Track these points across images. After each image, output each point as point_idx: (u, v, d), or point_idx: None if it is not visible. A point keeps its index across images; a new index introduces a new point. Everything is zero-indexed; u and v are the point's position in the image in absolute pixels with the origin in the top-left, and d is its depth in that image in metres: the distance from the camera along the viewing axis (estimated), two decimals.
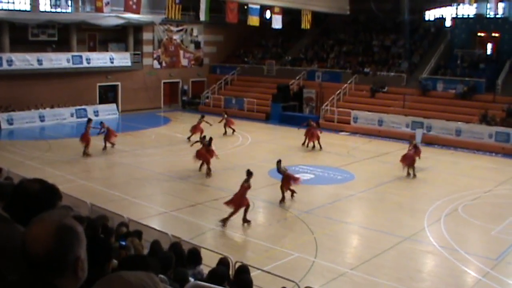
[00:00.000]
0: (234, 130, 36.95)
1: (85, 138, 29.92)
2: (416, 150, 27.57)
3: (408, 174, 27.09)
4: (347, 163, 29.83)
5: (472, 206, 22.69)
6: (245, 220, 19.76)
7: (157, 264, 4.27)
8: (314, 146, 33.08)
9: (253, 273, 11.74)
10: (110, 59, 46.07)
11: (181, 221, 19.91)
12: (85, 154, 29.72)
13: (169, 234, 14.48)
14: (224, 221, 19.38)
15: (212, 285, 6.52)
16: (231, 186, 24.45)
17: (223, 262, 10.51)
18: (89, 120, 31.52)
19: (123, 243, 5.11)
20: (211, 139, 27.57)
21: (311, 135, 33.06)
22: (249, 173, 20.53)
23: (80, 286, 2.46)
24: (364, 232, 19.77)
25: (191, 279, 7.63)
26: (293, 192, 22.59)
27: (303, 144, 33.38)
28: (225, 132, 36.87)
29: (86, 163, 28.96)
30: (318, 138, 32.98)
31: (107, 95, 47.42)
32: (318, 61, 49.49)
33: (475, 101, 38.78)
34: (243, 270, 9.84)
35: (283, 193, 22.28)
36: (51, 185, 3.37)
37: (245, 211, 19.78)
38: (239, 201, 19.74)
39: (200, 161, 26.77)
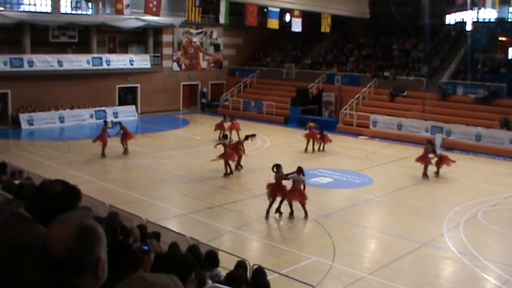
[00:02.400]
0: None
1: (101, 139, 30.12)
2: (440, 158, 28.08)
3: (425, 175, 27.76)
4: (365, 167, 29.71)
5: (492, 212, 22.53)
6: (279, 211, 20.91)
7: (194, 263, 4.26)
8: (314, 149, 33.32)
9: (271, 276, 11.73)
10: (130, 61, 46.31)
11: (199, 223, 19.93)
12: (103, 155, 29.94)
13: (187, 236, 14.49)
14: (278, 210, 20.91)
15: None
16: (250, 189, 24.53)
17: (241, 265, 10.51)
18: (106, 122, 31.69)
19: (146, 247, 5.10)
20: (246, 137, 28.57)
21: (310, 137, 33.24)
22: (277, 166, 21.21)
23: None
24: (382, 237, 19.68)
25: (209, 282, 7.63)
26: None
27: (306, 150, 33.35)
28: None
29: (104, 164, 29.12)
30: (317, 140, 33.28)
31: (127, 97, 47.66)
32: (338, 65, 49.42)
33: (496, 106, 38.53)
34: (260, 273, 9.83)
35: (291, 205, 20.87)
36: (73, 186, 3.39)
37: (281, 202, 20.73)
38: (283, 190, 20.80)
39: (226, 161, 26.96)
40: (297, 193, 20.66)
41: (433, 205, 23.52)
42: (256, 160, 30.16)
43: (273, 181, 20.81)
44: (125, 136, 31.18)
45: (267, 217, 20.45)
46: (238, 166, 27.56)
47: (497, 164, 31.60)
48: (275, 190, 20.63)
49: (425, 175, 27.49)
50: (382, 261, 17.12)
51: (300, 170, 20.60)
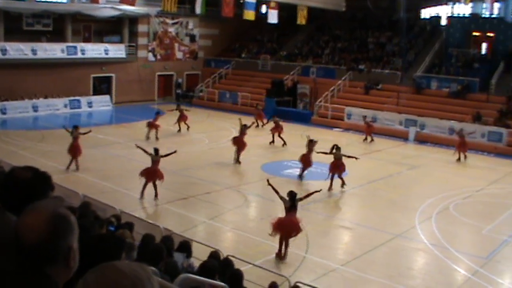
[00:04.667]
0: (188, 126, 36.44)
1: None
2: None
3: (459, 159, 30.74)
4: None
5: (464, 205, 22.76)
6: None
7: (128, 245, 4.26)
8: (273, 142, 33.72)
9: (244, 267, 11.76)
10: (105, 50, 45.98)
11: (173, 213, 19.92)
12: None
13: (161, 226, 14.49)
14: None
15: (202, 278, 6.53)
16: (224, 180, 24.53)
17: (214, 256, 10.52)
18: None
19: (112, 228, 5.10)
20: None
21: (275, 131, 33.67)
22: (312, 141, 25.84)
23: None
24: (355, 228, 19.80)
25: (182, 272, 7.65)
26: None
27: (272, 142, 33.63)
28: (180, 129, 36.44)
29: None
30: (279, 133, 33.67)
31: (101, 87, 47.34)
32: (313, 57, 49.51)
33: (469, 100, 38.91)
34: (229, 263, 9.86)
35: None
36: (43, 173, 3.36)
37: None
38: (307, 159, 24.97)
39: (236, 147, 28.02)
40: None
41: (406, 198, 23.70)
42: (231, 151, 30.13)
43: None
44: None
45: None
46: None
47: (469, 158, 31.85)
48: None
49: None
50: (355, 252, 17.24)
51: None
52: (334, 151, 24.38)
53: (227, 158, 28.23)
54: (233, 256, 11.94)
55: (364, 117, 36.49)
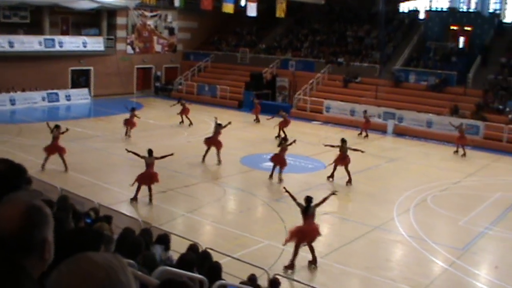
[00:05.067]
0: (190, 122, 36.64)
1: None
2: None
3: (457, 151, 31.36)
4: (318, 152, 29.91)
5: (441, 197, 22.96)
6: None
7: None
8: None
9: (223, 260, 11.79)
10: (83, 43, 45.68)
11: (152, 207, 19.87)
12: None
13: (139, 220, 14.48)
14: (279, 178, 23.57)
15: (181, 271, 6.55)
16: (203, 173, 24.54)
17: (193, 249, 10.54)
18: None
19: (89, 220, 5.11)
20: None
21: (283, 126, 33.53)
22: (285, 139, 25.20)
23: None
24: (334, 221, 19.90)
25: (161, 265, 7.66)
26: None
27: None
28: (182, 121, 36.55)
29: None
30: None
31: (80, 80, 47.04)
32: (292, 50, 49.56)
33: (446, 93, 39.20)
34: (207, 256, 9.89)
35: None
36: (18, 166, 3.36)
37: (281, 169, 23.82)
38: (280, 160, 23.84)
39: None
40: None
41: (384, 190, 23.85)
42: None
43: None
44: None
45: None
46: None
47: (447, 150, 32.12)
48: None
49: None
50: (334, 244, 17.35)
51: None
52: (340, 144, 24.61)
53: (204, 151, 28.21)
54: (211, 249, 11.96)
55: (365, 111, 36.19)
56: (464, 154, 30.76)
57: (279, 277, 11.91)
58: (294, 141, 24.54)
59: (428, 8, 47.86)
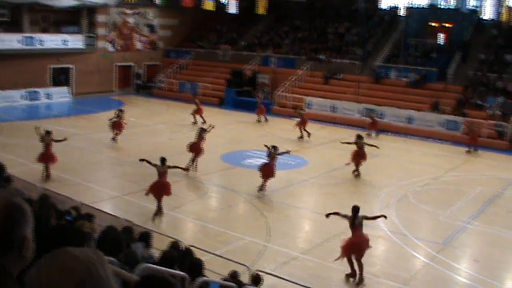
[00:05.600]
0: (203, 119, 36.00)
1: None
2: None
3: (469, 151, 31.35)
4: (299, 148, 30.02)
5: (422, 192, 23.13)
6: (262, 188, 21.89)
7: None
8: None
9: (205, 257, 11.82)
10: (64, 41, 45.42)
11: (134, 205, 19.85)
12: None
13: (121, 218, 14.47)
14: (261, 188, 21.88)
15: (162, 268, 6.57)
16: (184, 171, 24.46)
17: (174, 246, 10.56)
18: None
19: (70, 218, 5.12)
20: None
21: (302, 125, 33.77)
22: (275, 147, 22.76)
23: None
24: (316, 217, 19.97)
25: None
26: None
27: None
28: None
29: (38, 147, 28.53)
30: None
31: (60, 78, 46.75)
32: (273, 47, 49.58)
33: (427, 89, 39.43)
34: (189, 253, 9.92)
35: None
36: None
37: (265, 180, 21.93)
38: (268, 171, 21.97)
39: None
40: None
41: (365, 186, 24.00)
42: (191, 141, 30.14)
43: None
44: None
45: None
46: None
47: (427, 146, 32.34)
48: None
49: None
50: (316, 240, 17.44)
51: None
52: (356, 139, 25.07)
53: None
54: (193, 246, 11.99)
55: (371, 111, 35.87)
56: (474, 150, 31.41)
57: (261, 273, 11.96)
58: (288, 151, 24.09)
59: (408, 5, 48.04)
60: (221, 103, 44.81)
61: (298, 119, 33.65)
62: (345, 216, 15.34)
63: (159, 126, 35.02)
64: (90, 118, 37.11)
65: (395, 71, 41.93)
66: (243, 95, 44.62)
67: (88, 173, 23.73)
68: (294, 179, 24.17)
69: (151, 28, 53.02)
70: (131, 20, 50.97)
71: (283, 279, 13.04)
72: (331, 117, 38.99)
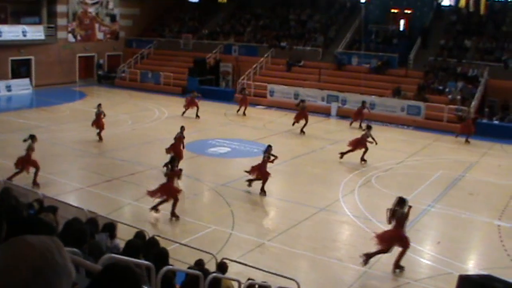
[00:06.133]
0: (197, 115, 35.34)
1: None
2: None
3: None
4: (263, 136, 30.10)
5: (385, 177, 23.39)
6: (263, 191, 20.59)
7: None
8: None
9: (170, 247, 11.86)
10: (23, 32, 44.75)
11: (98, 196, 19.73)
12: None
13: (85, 209, 14.38)
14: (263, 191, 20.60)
15: (127, 258, 6.58)
16: (148, 161, 24.42)
17: (139, 235, 10.56)
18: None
19: (33, 212, 5.11)
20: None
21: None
22: (269, 146, 21.50)
23: None
24: (280, 204, 20.10)
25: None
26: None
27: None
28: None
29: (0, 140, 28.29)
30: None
31: (20, 70, 46.10)
32: (235, 35, 49.53)
33: (388, 75, 39.80)
34: (154, 242, 9.93)
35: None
36: None
37: (263, 183, 20.62)
38: (261, 171, 20.78)
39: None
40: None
41: (329, 172, 24.17)
42: (154, 131, 30.07)
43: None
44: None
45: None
46: None
47: (390, 131, 32.66)
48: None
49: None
50: (281, 227, 17.53)
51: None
52: (366, 130, 25.63)
53: (151, 138, 28.12)
54: (159, 236, 12.00)
55: (363, 102, 34.66)
56: (466, 140, 31.01)
57: (227, 261, 12.01)
58: (276, 157, 21.57)
59: None
60: (184, 92, 44.65)
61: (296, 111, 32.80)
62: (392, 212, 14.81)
63: (122, 116, 34.80)
64: (52, 110, 36.70)
65: (357, 57, 42.20)
66: (206, 83, 44.54)
67: (51, 165, 23.47)
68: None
69: (112, 17, 52.55)
70: (91, 10, 50.44)
71: (249, 266, 13.11)
72: (293, 104, 39.13)
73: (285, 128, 32.55)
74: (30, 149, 20.70)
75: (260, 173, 20.74)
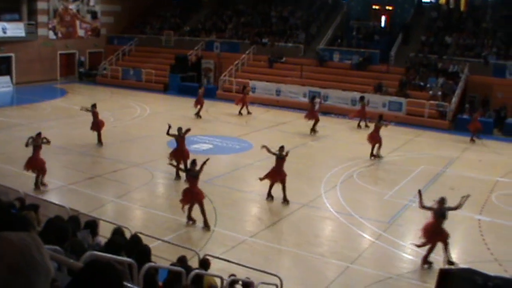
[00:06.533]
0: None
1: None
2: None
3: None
4: (245, 132, 30.14)
5: (367, 173, 23.50)
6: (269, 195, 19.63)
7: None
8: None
9: (153, 244, 11.86)
10: (3, 29, 44.38)
11: (80, 194, 19.65)
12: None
13: (67, 207, 14.32)
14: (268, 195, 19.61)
15: (108, 255, 6.57)
16: (130, 158, 24.38)
17: (118, 232, 10.52)
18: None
19: (15, 211, 5.09)
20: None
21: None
22: (281, 148, 20.15)
23: None
24: (262, 200, 20.09)
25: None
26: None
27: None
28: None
29: None
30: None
31: (0, 67, 45.76)
32: (217, 32, 49.45)
33: (370, 71, 39.96)
34: (137, 240, 9.92)
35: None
36: None
37: (282, 185, 19.45)
38: (274, 174, 19.60)
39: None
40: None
41: (311, 168, 24.24)
42: (136, 129, 29.99)
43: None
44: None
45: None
46: None
47: (372, 127, 32.73)
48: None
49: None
50: (263, 223, 17.57)
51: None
52: (377, 121, 26.12)
53: (132, 136, 28.06)
54: (141, 233, 11.98)
55: (362, 98, 34.42)
56: (471, 140, 30.58)
57: (210, 257, 12.03)
58: (287, 153, 20.22)
59: None
60: (166, 89, 44.58)
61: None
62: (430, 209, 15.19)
63: (103, 113, 34.57)
64: (33, 108, 36.48)
65: (339, 53, 42.29)
66: (187, 80, 44.48)
67: None
68: (240, 163, 24.28)
69: (93, 14, 52.25)
70: (72, 6, 50.14)
71: (232, 262, 13.13)
72: (275, 100, 39.19)
73: (268, 124, 32.60)
74: (38, 147, 20.15)
75: (280, 176, 19.56)
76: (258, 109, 36.89)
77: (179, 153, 21.81)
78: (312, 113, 31.26)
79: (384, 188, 21.45)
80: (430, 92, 36.11)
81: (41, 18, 47.72)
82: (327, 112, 35.93)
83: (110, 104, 37.75)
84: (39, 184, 20.00)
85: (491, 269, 13.06)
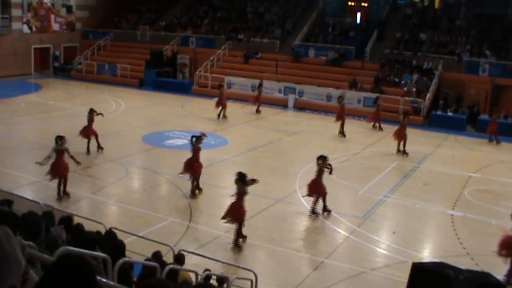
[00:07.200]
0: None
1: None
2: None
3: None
4: (220, 128, 30.16)
5: (341, 168, 23.56)
6: (326, 209, 18.33)
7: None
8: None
9: (128, 239, 11.84)
10: None
11: (54, 189, 19.50)
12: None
13: (41, 203, 14.25)
14: (313, 211, 18.24)
15: (83, 250, 6.58)
16: (105, 153, 24.26)
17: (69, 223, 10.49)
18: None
19: None
20: None
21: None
22: (323, 158, 18.81)
23: None
24: None
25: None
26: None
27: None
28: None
29: None
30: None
31: None
32: (192, 27, 49.37)
33: (345, 67, 40.18)
34: (112, 235, 9.92)
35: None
36: None
37: (323, 199, 18.41)
38: (316, 187, 18.46)
39: None
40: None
41: (286, 163, 24.29)
42: (111, 124, 29.83)
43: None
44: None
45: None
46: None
47: (347, 123, 32.74)
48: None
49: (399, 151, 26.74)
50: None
51: None
52: (403, 118, 26.66)
53: (107, 131, 27.90)
54: (116, 228, 11.96)
55: (376, 98, 33.50)
56: (497, 142, 30.40)
57: (185, 253, 12.04)
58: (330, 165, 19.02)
59: None
60: (141, 84, 44.42)
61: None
62: None
63: (78, 108, 34.45)
64: (6, 102, 36.13)
65: (314, 49, 42.44)
66: (163, 75, 44.38)
67: (5, 158, 23.18)
68: (215, 159, 24.27)
69: (68, 8, 51.88)
70: (47, 0, 49.73)
71: (207, 257, 13.16)
72: (250, 96, 39.20)
73: (243, 119, 32.63)
74: (62, 152, 18.54)
75: (320, 189, 18.48)
76: (233, 105, 36.87)
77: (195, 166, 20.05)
78: (340, 114, 30.38)
79: (359, 183, 21.59)
80: (405, 88, 36.40)
81: (15, 12, 47.27)
82: (302, 108, 36.06)
83: (85, 99, 37.51)
84: (61, 194, 18.70)
85: (463, 263, 13.26)
